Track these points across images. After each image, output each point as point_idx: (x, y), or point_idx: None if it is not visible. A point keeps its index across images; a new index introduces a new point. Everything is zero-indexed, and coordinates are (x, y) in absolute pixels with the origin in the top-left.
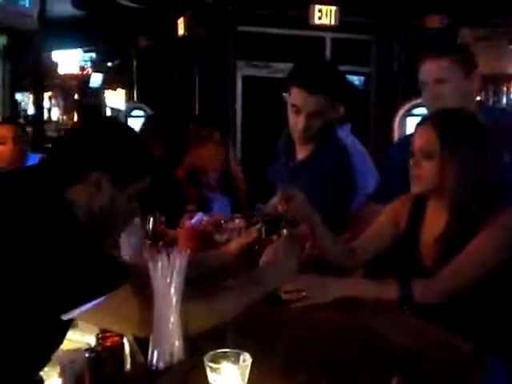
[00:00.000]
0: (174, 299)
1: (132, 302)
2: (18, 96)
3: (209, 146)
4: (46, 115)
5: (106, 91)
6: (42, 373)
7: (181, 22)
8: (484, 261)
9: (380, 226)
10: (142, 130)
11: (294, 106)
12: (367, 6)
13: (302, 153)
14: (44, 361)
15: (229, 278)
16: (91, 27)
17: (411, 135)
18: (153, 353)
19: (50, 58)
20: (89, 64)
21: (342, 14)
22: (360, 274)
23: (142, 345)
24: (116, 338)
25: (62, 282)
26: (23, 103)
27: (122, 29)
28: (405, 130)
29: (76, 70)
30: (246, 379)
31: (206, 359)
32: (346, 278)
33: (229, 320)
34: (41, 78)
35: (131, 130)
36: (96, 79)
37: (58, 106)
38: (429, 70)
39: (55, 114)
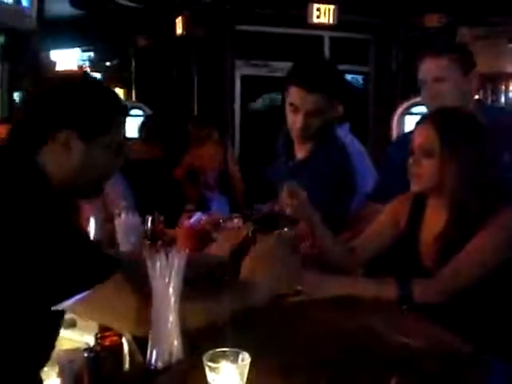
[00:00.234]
0: (173, 299)
1: (130, 299)
2: (17, 96)
3: (207, 145)
4: None
5: None
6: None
7: (179, 21)
8: (484, 260)
9: (380, 226)
10: (140, 129)
11: (292, 104)
12: (366, 5)
13: (301, 152)
14: (41, 356)
15: (225, 275)
16: (89, 27)
17: (409, 133)
18: (151, 352)
19: (48, 57)
20: (87, 63)
21: (340, 13)
22: (359, 273)
23: (140, 344)
24: (115, 338)
25: (49, 268)
26: None
27: (121, 28)
28: (403, 129)
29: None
30: (245, 378)
31: (204, 358)
32: (345, 276)
33: (225, 319)
34: (39, 77)
35: (88, 79)
36: None
37: None
38: (428, 68)
39: None
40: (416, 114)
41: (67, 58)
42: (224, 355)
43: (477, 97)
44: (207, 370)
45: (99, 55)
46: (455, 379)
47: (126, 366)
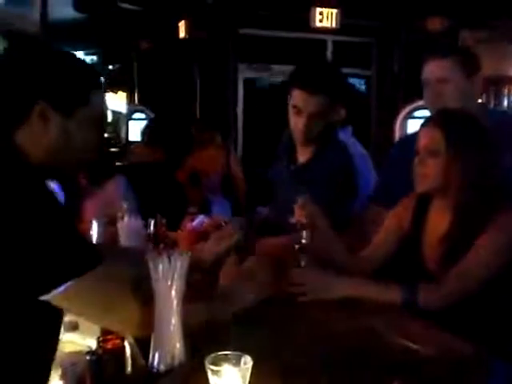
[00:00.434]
0: (175, 301)
1: (131, 303)
2: None
3: (210, 149)
4: None
5: (106, 94)
6: None
7: (181, 24)
8: (488, 263)
9: (385, 233)
10: (143, 132)
11: (295, 107)
12: (368, 9)
13: (303, 155)
14: (43, 360)
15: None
16: (92, 30)
17: (412, 135)
18: (154, 355)
19: None
20: None
21: (343, 17)
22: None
23: (142, 347)
24: (117, 341)
25: (26, 255)
26: None
27: (123, 32)
28: (406, 132)
29: None
30: (247, 382)
31: (206, 361)
32: (352, 277)
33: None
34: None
35: (59, 50)
36: None
37: None
38: (432, 69)
39: None
40: (419, 117)
41: None
42: (226, 358)
43: (480, 101)
44: (209, 373)
45: (102, 59)
46: (456, 381)
47: (129, 368)
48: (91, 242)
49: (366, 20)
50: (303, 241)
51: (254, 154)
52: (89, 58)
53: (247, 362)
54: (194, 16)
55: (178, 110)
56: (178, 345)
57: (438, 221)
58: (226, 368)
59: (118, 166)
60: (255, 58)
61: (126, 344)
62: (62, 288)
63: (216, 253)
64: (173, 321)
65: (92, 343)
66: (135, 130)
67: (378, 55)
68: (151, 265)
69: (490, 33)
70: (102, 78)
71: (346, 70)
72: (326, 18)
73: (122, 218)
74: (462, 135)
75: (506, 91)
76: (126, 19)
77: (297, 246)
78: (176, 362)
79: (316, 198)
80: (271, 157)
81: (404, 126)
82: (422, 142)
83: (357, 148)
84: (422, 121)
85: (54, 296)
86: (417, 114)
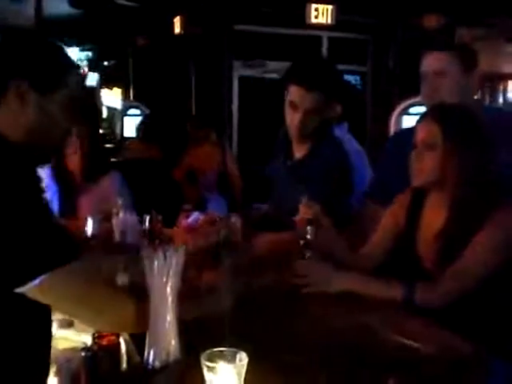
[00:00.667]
0: (170, 298)
1: (122, 303)
2: None
3: (205, 147)
4: None
5: (102, 90)
6: None
7: (177, 20)
8: (485, 261)
9: (382, 231)
10: (138, 128)
11: (291, 102)
12: (364, 5)
13: (299, 151)
14: (37, 357)
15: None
16: (87, 26)
17: (407, 129)
18: (149, 352)
19: None
20: (85, 63)
21: (338, 13)
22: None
23: (138, 344)
24: (112, 338)
25: (4, 248)
26: None
27: (119, 28)
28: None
29: None
30: (243, 378)
31: (202, 358)
32: (356, 272)
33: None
34: None
35: (37, 34)
36: (92, 78)
37: None
38: (429, 62)
39: None
40: (414, 114)
41: None
42: (221, 355)
43: (475, 97)
44: (205, 369)
45: (97, 55)
46: (455, 380)
47: (124, 365)
48: (68, 234)
49: (362, 17)
50: (308, 236)
51: (249, 151)
52: (84, 54)
53: (243, 358)
54: (189, 11)
55: (173, 106)
56: (173, 341)
57: (434, 217)
58: (222, 365)
59: (113, 161)
60: (250, 55)
61: (122, 340)
62: (36, 281)
63: (199, 246)
64: (168, 317)
65: (87, 340)
66: (130, 126)
67: (373, 52)
68: (146, 261)
69: (486, 30)
70: (96, 74)
71: (341, 67)
72: (321, 14)
73: (117, 214)
74: (459, 129)
75: (501, 88)
76: (121, 15)
77: (302, 242)
78: (171, 358)
79: (312, 195)
80: (266, 154)
81: (399, 122)
82: (420, 135)
83: (352, 144)
84: (417, 117)
85: (28, 289)
86: (412, 110)
